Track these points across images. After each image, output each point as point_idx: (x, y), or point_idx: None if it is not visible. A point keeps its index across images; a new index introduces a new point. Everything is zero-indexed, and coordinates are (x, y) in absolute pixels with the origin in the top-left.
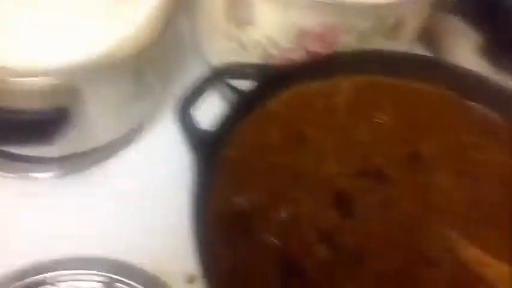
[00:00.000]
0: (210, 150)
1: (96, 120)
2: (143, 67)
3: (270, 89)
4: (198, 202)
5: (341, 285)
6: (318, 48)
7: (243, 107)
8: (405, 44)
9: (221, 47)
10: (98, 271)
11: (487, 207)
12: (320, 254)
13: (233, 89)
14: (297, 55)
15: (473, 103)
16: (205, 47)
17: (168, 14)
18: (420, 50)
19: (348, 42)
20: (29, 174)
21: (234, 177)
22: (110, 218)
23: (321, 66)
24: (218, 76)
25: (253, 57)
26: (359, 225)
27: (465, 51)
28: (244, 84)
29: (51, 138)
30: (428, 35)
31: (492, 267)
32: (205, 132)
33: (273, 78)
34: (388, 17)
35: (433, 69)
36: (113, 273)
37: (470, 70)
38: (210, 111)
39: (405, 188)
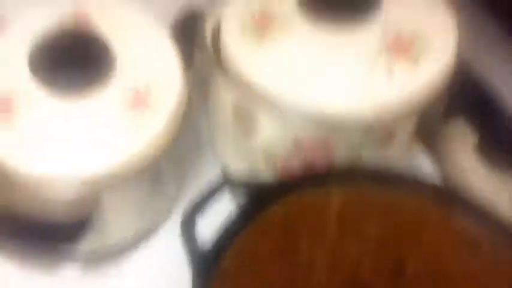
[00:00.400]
0: (206, 265)
1: (113, 221)
2: (160, 168)
3: (266, 201)
4: None
5: None
6: (313, 157)
7: (240, 221)
8: (399, 150)
9: (231, 150)
10: None
11: None
12: None
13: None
14: (295, 163)
15: (459, 221)
16: (218, 149)
17: (185, 116)
18: (418, 152)
19: (341, 152)
20: (43, 269)
21: None
22: None
23: (314, 180)
24: (222, 190)
25: (257, 162)
26: None
27: (463, 152)
28: None
29: (74, 241)
30: (425, 137)
31: None
32: (204, 245)
33: (269, 191)
34: (377, 130)
35: (419, 185)
36: None
37: (457, 190)
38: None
39: None
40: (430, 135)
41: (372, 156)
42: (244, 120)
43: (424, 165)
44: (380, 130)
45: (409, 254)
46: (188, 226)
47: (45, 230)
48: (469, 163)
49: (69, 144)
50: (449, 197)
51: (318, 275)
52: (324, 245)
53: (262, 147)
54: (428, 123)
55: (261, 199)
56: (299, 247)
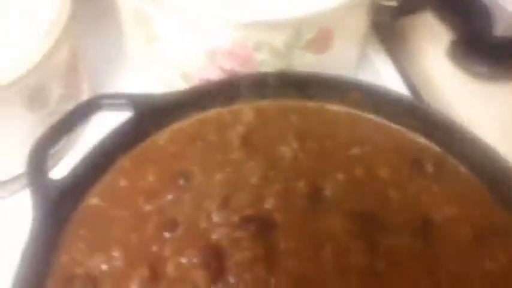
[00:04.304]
0: (56, 204)
1: None
2: (39, 94)
3: (153, 122)
4: (31, 268)
5: None
6: (233, 66)
7: (113, 146)
8: (344, 53)
9: (145, 65)
10: None
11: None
12: None
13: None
14: (214, 74)
15: (396, 126)
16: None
17: (61, 37)
18: (375, 54)
19: (263, 58)
20: None
21: (91, 233)
22: None
23: (219, 93)
24: (83, 113)
25: (175, 77)
26: None
27: (432, 55)
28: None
29: None
30: (390, 36)
31: None
32: (56, 182)
33: (157, 109)
34: (304, 30)
35: (350, 91)
36: None
37: (392, 90)
38: None
39: (295, 238)
40: (389, 34)
41: (306, 63)
42: (146, 26)
43: (385, 72)
44: (307, 29)
45: (331, 171)
46: (37, 157)
47: None
48: (440, 70)
49: None
50: (382, 96)
51: (210, 208)
52: (224, 171)
53: (174, 57)
54: (385, 17)
55: (143, 121)
56: (192, 176)
